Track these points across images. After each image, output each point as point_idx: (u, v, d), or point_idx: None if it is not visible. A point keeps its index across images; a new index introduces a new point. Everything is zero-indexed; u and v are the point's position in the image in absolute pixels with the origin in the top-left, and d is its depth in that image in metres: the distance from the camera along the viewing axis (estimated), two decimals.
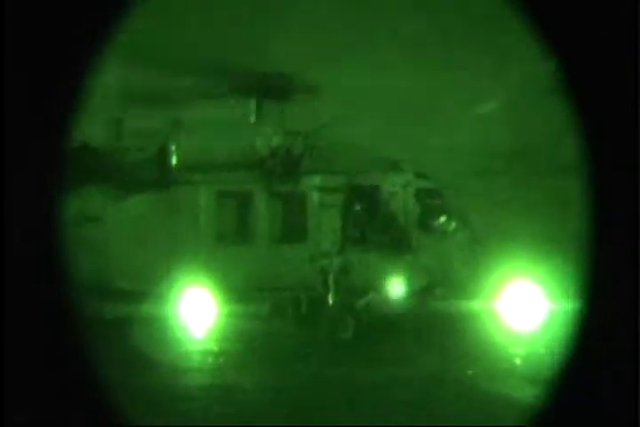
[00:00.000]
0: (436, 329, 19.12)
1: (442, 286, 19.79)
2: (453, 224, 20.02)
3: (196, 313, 19.61)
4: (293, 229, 19.92)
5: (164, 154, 19.62)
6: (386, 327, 19.38)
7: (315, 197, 19.84)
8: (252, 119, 20.43)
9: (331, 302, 19.30)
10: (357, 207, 19.82)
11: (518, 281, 19.74)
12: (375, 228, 19.82)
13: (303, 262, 19.53)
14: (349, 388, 13.99)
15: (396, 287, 19.39)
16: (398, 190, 20.00)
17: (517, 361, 16.40)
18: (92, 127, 17.64)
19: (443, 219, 19.99)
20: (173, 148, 19.58)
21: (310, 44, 20.51)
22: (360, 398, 13.18)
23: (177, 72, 19.32)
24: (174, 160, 19.56)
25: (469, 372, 15.10)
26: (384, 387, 14.03)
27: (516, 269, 19.29)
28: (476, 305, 20.83)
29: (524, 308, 20.02)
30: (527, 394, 13.08)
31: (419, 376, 14.83)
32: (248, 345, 18.59)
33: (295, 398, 13.34)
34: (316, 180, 19.81)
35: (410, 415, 11.92)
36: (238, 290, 19.20)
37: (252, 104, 20.37)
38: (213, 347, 18.52)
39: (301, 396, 13.33)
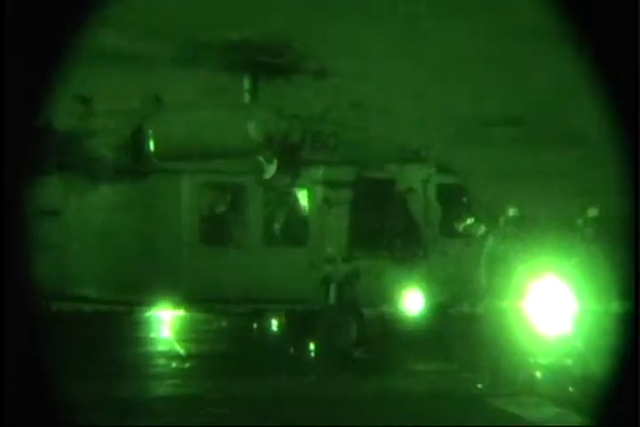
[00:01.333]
0: (451, 334, 17.35)
1: (467, 300, 17.12)
2: (482, 227, 17.37)
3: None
4: (291, 229, 17.60)
5: (138, 138, 16.94)
6: (396, 337, 17.86)
7: (318, 192, 17.43)
8: (246, 99, 18.09)
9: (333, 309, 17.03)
10: (368, 205, 17.39)
11: (546, 278, 17.17)
12: (389, 230, 17.48)
13: (302, 269, 17.12)
14: (336, 403, 12.58)
15: (412, 302, 16.76)
16: (417, 186, 17.68)
17: (538, 374, 14.70)
18: (55, 106, 14.98)
19: (470, 221, 17.53)
20: (150, 131, 16.88)
21: (319, 15, 18.47)
22: (340, 416, 11.67)
23: (158, 41, 16.71)
24: (151, 145, 16.87)
25: (479, 386, 13.87)
26: (375, 404, 12.66)
27: (543, 263, 16.79)
28: (498, 306, 18.23)
29: (551, 309, 17.58)
30: (544, 416, 11.90)
31: (419, 391, 13.55)
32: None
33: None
34: (320, 172, 17.36)
35: None
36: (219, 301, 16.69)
37: (247, 82, 18.01)
38: None
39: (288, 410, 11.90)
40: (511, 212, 15.59)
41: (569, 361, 15.46)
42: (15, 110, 9.45)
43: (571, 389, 13.23)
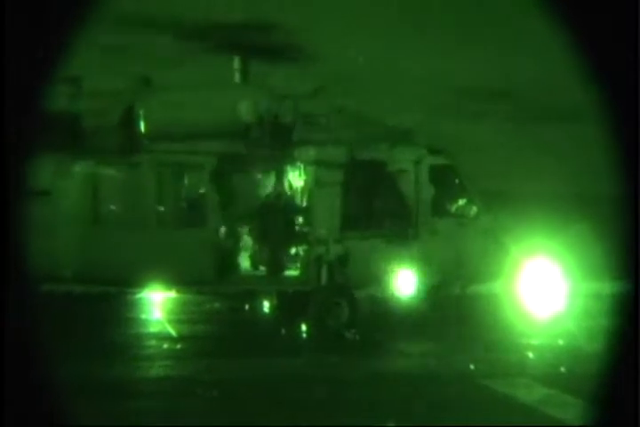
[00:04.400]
0: (442, 315, 17.40)
1: (459, 281, 16.97)
2: (474, 208, 17.31)
3: None
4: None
5: (128, 118, 16.69)
6: (387, 318, 17.53)
7: (309, 172, 17.16)
8: (237, 80, 17.88)
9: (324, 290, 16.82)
10: (360, 186, 17.20)
11: (537, 259, 17.13)
12: (380, 211, 17.29)
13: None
14: (326, 384, 12.36)
15: (404, 283, 16.60)
16: (409, 167, 17.36)
17: (530, 355, 14.70)
18: (46, 86, 14.75)
19: (461, 202, 17.44)
20: (141, 111, 16.57)
21: None
22: (332, 397, 11.53)
23: (148, 23, 16.50)
24: (142, 126, 16.52)
25: (471, 367, 13.62)
26: (367, 385, 12.53)
27: (534, 245, 17.20)
28: (490, 287, 18.33)
29: (543, 290, 17.59)
30: (534, 397, 11.68)
31: (411, 372, 13.34)
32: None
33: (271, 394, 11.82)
34: (311, 152, 17.06)
35: (387, 417, 10.45)
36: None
37: (237, 62, 17.84)
38: None
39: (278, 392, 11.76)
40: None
41: (561, 342, 15.44)
42: (4, 92, 9.17)
43: (562, 369, 13.16)
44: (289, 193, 17.56)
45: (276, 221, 17.23)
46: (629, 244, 8.17)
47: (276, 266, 17.03)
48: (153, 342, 15.55)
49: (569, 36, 8.59)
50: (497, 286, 18.12)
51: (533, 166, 22.14)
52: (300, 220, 17.32)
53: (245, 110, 16.97)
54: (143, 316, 17.86)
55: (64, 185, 16.19)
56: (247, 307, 18.47)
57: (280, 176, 17.67)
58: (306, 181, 17.25)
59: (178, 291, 17.09)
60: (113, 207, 16.47)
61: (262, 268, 17.18)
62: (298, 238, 17.16)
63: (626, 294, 8.68)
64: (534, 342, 15.68)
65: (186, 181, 17.20)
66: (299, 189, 17.48)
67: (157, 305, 18.33)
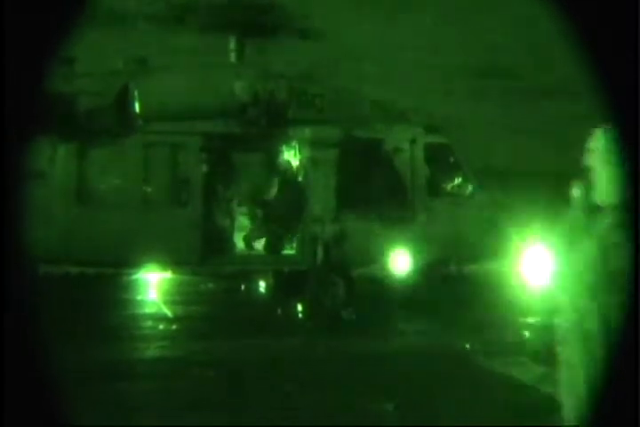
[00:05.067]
0: (438, 295, 17.19)
1: (456, 259, 16.90)
2: (470, 187, 17.28)
3: None
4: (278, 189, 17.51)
5: (124, 99, 16.53)
6: (384, 298, 17.38)
7: (304, 152, 17.15)
8: (232, 59, 18.16)
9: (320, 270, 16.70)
10: (355, 165, 17.05)
11: (534, 237, 17.04)
12: (376, 190, 17.10)
13: None
14: (322, 363, 12.47)
15: (401, 262, 16.53)
16: (404, 146, 17.30)
17: (526, 334, 14.76)
18: (40, 68, 14.61)
19: (457, 180, 17.40)
20: (136, 92, 16.45)
21: None
22: (328, 377, 11.58)
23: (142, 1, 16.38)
24: (137, 107, 16.43)
25: (467, 346, 13.64)
26: (364, 364, 12.49)
27: (532, 223, 16.69)
28: (489, 267, 18.30)
29: (540, 269, 17.48)
30: (532, 375, 11.73)
31: (407, 351, 13.33)
32: None
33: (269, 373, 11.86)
34: (306, 131, 16.97)
35: (381, 396, 10.48)
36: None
37: (233, 41, 18.00)
38: None
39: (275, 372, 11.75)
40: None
41: (556, 320, 15.36)
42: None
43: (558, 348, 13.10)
44: (284, 172, 17.50)
45: (273, 200, 17.24)
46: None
47: (273, 246, 17.02)
48: (149, 324, 15.54)
49: (563, 16, 8.51)
50: (494, 265, 18.06)
51: (531, 145, 22.05)
52: (297, 199, 17.26)
53: (241, 90, 16.88)
54: (139, 297, 17.83)
55: (59, 167, 16.17)
56: (243, 287, 18.46)
57: (275, 156, 17.62)
58: (301, 161, 17.19)
59: (173, 271, 17.09)
60: (108, 188, 16.40)
61: (258, 247, 17.18)
62: (294, 218, 17.12)
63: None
64: (531, 320, 15.63)
65: (181, 162, 17.09)
66: (294, 169, 17.42)
67: (153, 286, 18.30)
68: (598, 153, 5.94)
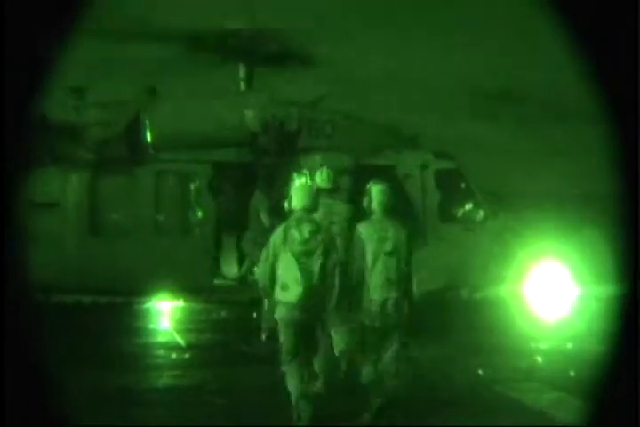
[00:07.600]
0: (450, 320, 16.89)
1: (468, 284, 16.93)
2: (481, 212, 17.26)
3: None
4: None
5: (134, 129, 16.75)
6: None
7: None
8: (242, 87, 18.18)
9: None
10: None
11: (547, 262, 17.07)
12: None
13: None
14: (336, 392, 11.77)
15: (413, 287, 16.47)
16: (415, 172, 17.48)
17: (539, 359, 14.58)
18: (50, 98, 14.80)
19: (468, 206, 17.37)
20: (146, 121, 16.61)
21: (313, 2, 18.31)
22: (339, 401, 11.24)
23: (151, 31, 16.54)
24: (148, 136, 16.58)
25: (480, 371, 13.51)
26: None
27: (544, 247, 17.27)
28: (498, 292, 18.25)
29: (552, 294, 17.52)
30: (545, 401, 11.71)
31: (418, 376, 12.97)
32: None
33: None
34: (317, 159, 16.81)
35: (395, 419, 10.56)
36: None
37: (242, 70, 18.11)
38: None
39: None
40: None
41: (570, 345, 15.36)
42: (9, 102, 9.38)
43: (572, 373, 13.08)
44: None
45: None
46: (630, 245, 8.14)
47: None
48: (161, 352, 15.55)
49: (573, 38, 8.59)
50: (505, 290, 18.03)
51: (542, 168, 22.05)
52: None
53: (251, 118, 16.98)
54: (152, 325, 17.81)
55: (71, 196, 16.28)
56: (255, 315, 18.40)
57: (285, 184, 17.64)
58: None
59: (185, 300, 17.13)
60: (120, 217, 16.53)
61: None
62: None
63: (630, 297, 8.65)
64: (543, 346, 15.56)
65: (193, 190, 17.16)
66: None
67: (165, 314, 18.28)
68: None
